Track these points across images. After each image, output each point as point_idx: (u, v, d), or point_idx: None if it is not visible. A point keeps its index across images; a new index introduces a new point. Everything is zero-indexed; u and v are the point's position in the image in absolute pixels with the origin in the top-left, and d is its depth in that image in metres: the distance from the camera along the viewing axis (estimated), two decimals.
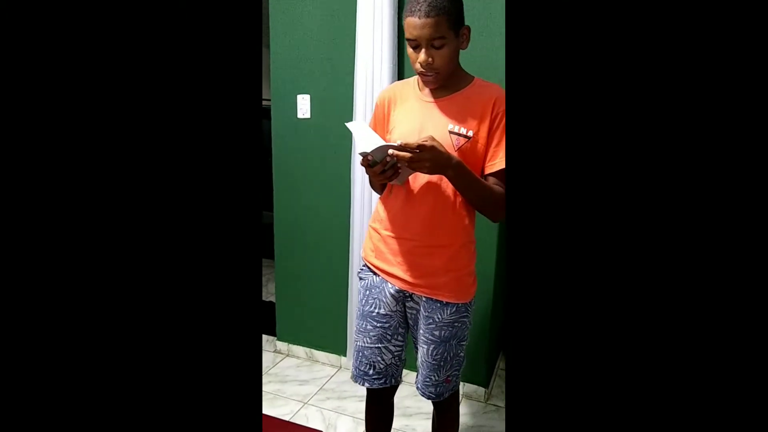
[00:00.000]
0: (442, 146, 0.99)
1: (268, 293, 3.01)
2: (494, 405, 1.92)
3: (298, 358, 2.24)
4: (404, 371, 1.33)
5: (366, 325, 1.22)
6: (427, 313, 1.15)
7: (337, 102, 1.92)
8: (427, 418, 1.81)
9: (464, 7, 1.50)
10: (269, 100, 2.09)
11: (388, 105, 1.17)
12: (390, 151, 0.97)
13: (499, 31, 1.66)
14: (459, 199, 1.10)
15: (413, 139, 1.04)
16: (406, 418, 1.81)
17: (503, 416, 1.85)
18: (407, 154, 0.95)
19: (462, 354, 1.22)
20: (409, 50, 1.05)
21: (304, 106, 1.98)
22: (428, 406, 1.84)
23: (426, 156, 0.96)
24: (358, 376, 1.25)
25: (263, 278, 3.30)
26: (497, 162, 1.08)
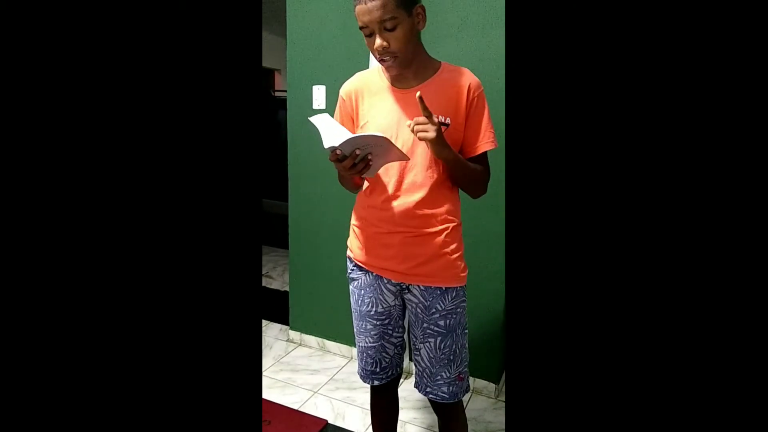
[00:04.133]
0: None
1: (284, 283, 3.04)
2: (504, 402, 1.91)
3: (310, 347, 2.26)
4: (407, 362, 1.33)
5: (366, 325, 1.20)
6: (428, 303, 1.13)
7: None
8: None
9: (468, 5, 1.46)
10: (285, 91, 2.10)
11: (356, 98, 1.13)
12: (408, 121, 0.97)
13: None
14: (445, 184, 1.10)
15: (391, 130, 1.06)
16: (415, 411, 1.81)
17: None
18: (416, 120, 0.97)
19: (467, 346, 1.20)
20: (367, 41, 1.03)
21: (319, 97, 1.99)
22: None
23: (435, 121, 0.96)
24: (366, 376, 1.25)
25: (279, 268, 3.34)
26: (479, 146, 1.09)
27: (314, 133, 2.10)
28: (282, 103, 3.67)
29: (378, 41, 0.99)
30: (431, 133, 0.96)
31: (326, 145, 0.96)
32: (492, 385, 1.92)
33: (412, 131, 0.98)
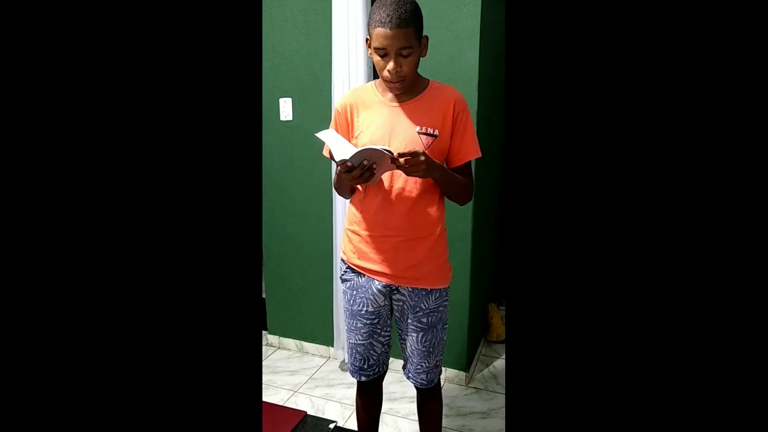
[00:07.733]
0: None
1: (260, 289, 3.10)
2: (474, 388, 2.03)
3: (288, 350, 2.34)
4: (390, 359, 1.42)
5: (356, 323, 1.31)
6: (413, 303, 1.25)
7: (316, 105, 2.01)
8: (411, 402, 1.91)
9: (434, 15, 1.58)
10: None
11: (351, 111, 1.24)
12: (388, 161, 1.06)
13: (467, 35, 1.76)
14: (432, 191, 1.21)
15: (384, 141, 1.17)
16: (391, 402, 1.91)
17: (483, 398, 1.95)
18: (405, 158, 1.06)
19: (445, 338, 1.33)
20: (376, 58, 1.12)
21: (286, 108, 2.07)
22: (412, 391, 1.95)
23: (422, 159, 1.07)
24: (354, 372, 1.36)
25: None
26: (463, 155, 1.21)
27: (284, 144, 2.18)
28: None
29: (392, 64, 1.10)
30: (420, 173, 1.08)
31: (337, 158, 1.08)
32: (462, 374, 2.04)
33: (402, 170, 1.07)
